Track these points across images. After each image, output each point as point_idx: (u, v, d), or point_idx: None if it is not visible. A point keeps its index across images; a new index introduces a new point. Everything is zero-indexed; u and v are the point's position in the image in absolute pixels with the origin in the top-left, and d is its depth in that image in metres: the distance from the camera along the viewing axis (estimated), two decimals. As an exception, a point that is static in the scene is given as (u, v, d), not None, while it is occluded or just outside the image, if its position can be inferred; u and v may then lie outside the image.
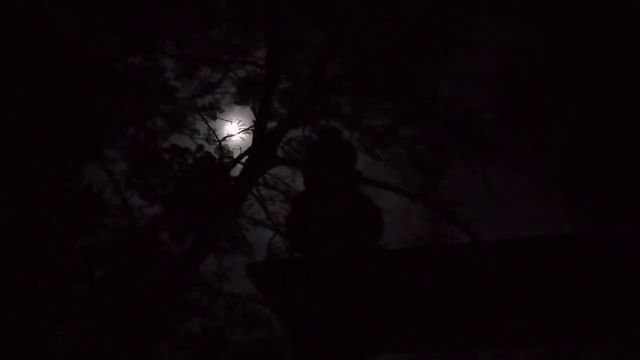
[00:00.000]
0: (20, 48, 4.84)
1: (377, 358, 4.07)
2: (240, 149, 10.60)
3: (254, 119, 10.59)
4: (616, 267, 3.23)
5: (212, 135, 10.65)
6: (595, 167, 3.81)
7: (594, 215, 3.67)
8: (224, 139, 10.78)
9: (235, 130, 10.91)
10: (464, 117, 9.40)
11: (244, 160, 10.31)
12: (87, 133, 4.98)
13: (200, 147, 5.66)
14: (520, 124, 8.04)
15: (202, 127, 10.53)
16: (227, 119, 10.86)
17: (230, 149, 10.73)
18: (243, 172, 9.64)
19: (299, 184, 10.28)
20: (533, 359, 7.65)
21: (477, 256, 3.52)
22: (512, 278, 3.37)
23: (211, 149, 10.63)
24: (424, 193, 9.82)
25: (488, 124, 9.04)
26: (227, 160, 10.51)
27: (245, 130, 10.78)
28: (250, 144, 10.35)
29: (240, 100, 10.73)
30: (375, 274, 3.58)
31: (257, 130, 9.86)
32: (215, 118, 10.68)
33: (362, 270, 3.59)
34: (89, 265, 5.30)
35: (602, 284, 3.27)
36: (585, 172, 3.84)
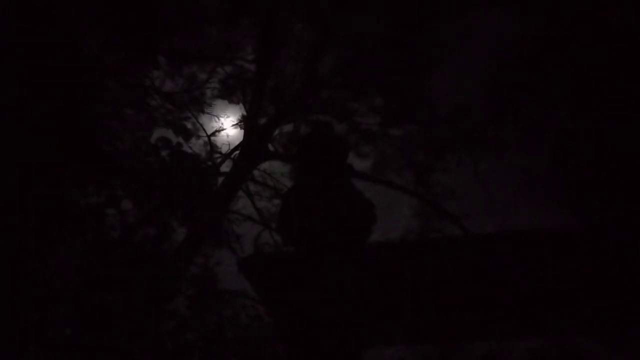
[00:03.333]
0: (15, 44, 4.77)
1: (369, 351, 4.05)
2: (229, 145, 10.57)
3: (244, 113, 10.54)
4: (609, 259, 3.22)
5: (198, 130, 10.62)
6: (589, 161, 3.81)
7: (587, 208, 3.68)
8: (213, 133, 10.73)
9: (223, 125, 10.87)
10: (455, 112, 9.40)
11: (233, 155, 10.28)
12: (85, 136, 4.91)
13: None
14: (511, 118, 8.05)
15: (188, 123, 10.47)
16: (214, 114, 10.81)
17: (218, 145, 10.69)
18: (234, 167, 9.57)
19: (288, 179, 10.27)
20: (526, 352, 7.67)
21: (469, 249, 3.50)
22: (504, 271, 3.36)
23: (199, 143, 10.62)
24: (415, 187, 9.81)
25: (479, 118, 9.05)
26: (216, 155, 10.46)
27: (235, 124, 10.75)
28: (238, 139, 10.31)
29: (229, 95, 10.66)
30: (367, 267, 3.55)
31: (248, 125, 9.79)
32: (203, 112, 10.62)
33: (354, 263, 3.56)
34: (79, 263, 5.24)
35: (594, 276, 3.26)
36: (579, 166, 3.85)
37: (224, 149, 10.57)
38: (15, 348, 4.70)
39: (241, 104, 10.72)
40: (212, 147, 10.58)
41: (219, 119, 10.84)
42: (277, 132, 10.31)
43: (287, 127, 10.52)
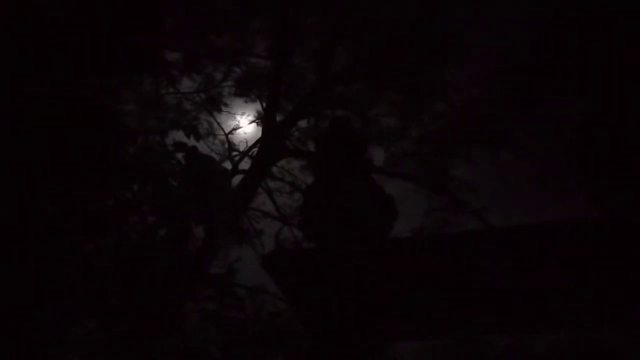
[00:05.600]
0: (20, 45, 4.80)
1: (391, 346, 4.06)
2: (247, 142, 10.63)
3: (260, 111, 10.59)
4: (632, 250, 3.20)
5: (215, 129, 10.70)
6: (608, 151, 3.77)
7: (607, 199, 3.64)
8: (230, 132, 10.80)
9: (240, 123, 10.94)
10: (472, 104, 9.35)
11: (251, 153, 10.33)
12: (101, 139, 4.95)
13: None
14: (528, 110, 7.99)
15: (201, 123, 10.56)
16: (232, 112, 10.89)
17: (236, 143, 10.76)
18: (253, 165, 9.62)
19: (306, 175, 10.32)
20: (546, 346, 7.63)
21: (490, 243, 3.49)
22: (525, 264, 3.35)
23: (217, 142, 10.69)
24: (432, 181, 9.78)
25: (496, 110, 8.99)
26: (234, 154, 10.53)
27: (252, 122, 10.81)
28: (255, 137, 10.36)
29: (246, 93, 10.71)
30: (389, 262, 3.56)
31: (266, 122, 9.83)
32: (220, 111, 10.70)
33: (375, 259, 3.58)
34: (100, 265, 5.30)
35: (617, 268, 3.24)
36: (598, 156, 3.80)
37: (242, 147, 10.65)
38: (38, 348, 4.77)
39: (258, 101, 10.79)
40: (230, 146, 10.66)
41: (236, 117, 10.93)
42: (293, 128, 10.34)
43: (302, 123, 10.55)
